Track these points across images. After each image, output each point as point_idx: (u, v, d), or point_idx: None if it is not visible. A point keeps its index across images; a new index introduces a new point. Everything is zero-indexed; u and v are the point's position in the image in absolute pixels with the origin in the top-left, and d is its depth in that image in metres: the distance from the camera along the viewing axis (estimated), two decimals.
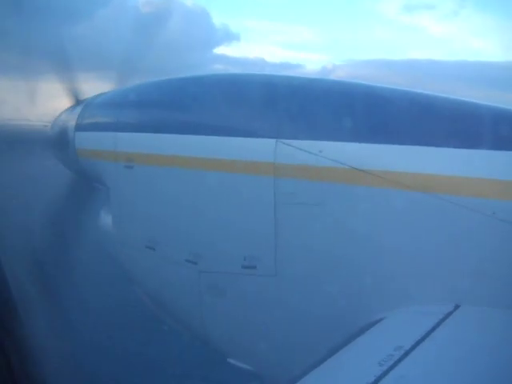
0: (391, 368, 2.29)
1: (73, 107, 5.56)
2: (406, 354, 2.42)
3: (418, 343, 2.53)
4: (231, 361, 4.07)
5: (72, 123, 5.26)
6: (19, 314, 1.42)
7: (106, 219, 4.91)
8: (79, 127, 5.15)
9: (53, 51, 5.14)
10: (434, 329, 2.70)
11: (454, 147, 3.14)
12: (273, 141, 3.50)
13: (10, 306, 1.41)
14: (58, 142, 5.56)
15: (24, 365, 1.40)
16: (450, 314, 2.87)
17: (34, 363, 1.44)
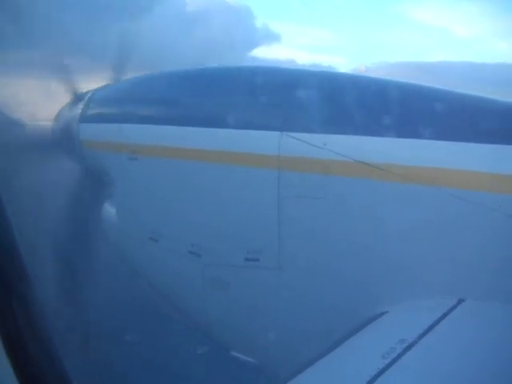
0: (394, 361, 2.29)
1: (75, 100, 5.57)
2: (409, 347, 2.42)
3: (420, 337, 2.53)
4: (234, 353, 4.08)
5: (76, 115, 5.27)
6: (28, 276, 1.43)
7: (111, 211, 4.92)
8: (83, 119, 5.16)
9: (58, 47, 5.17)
10: (437, 323, 2.69)
11: (460, 141, 3.12)
12: (277, 133, 3.48)
13: (19, 270, 1.42)
14: (63, 134, 5.57)
15: (32, 326, 1.41)
16: (453, 308, 2.86)
17: (42, 325, 1.45)
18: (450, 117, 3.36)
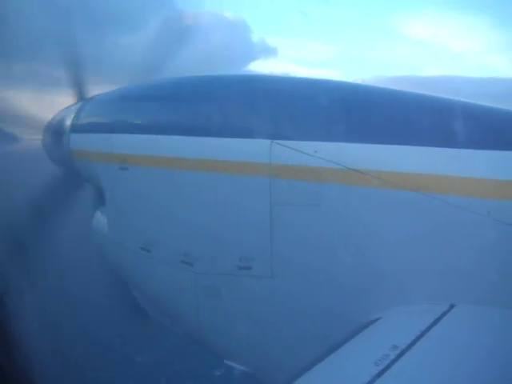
0: (387, 368, 2.30)
1: (66, 111, 5.56)
2: (402, 353, 2.43)
3: (413, 343, 2.54)
4: (228, 362, 4.07)
5: (67, 124, 5.25)
6: (6, 305, 1.42)
7: (102, 221, 4.90)
8: (74, 129, 5.14)
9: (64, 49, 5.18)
10: (429, 328, 2.70)
11: (449, 147, 3.15)
12: (268, 141, 3.50)
13: None
14: (53, 144, 5.55)
15: (9, 353, 1.40)
16: (445, 313, 2.88)
17: (20, 352, 1.45)
18: (439, 123, 3.39)
